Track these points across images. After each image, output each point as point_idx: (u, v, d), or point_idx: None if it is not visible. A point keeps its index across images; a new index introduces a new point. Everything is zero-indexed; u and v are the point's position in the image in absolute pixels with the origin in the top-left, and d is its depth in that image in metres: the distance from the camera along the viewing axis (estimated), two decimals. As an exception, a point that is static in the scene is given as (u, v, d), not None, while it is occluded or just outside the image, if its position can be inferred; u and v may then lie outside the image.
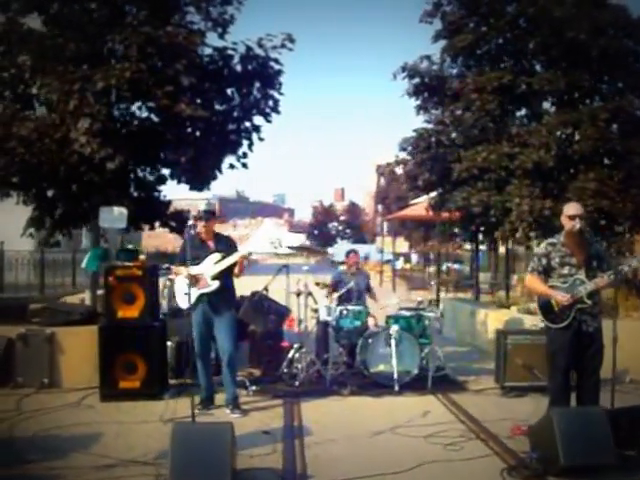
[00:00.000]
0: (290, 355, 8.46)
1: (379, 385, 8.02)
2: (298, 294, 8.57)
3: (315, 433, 6.27)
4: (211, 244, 7.18)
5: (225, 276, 7.10)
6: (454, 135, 12.11)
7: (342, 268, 9.55)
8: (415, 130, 12.70)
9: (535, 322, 9.17)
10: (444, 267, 26.60)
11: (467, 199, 11.12)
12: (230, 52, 8.85)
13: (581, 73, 10.88)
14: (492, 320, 10.31)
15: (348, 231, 75.55)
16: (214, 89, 8.57)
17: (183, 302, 7.18)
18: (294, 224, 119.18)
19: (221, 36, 8.80)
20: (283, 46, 8.85)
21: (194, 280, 6.98)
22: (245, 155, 9.83)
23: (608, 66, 11.00)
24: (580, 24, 10.46)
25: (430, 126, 12.70)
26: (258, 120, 9.66)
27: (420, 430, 6.32)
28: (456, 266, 27.02)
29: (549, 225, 10.82)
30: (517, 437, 6.02)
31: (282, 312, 9.16)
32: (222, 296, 7.12)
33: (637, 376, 8.29)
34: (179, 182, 9.09)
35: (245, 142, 9.73)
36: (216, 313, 7.07)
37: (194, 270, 7.02)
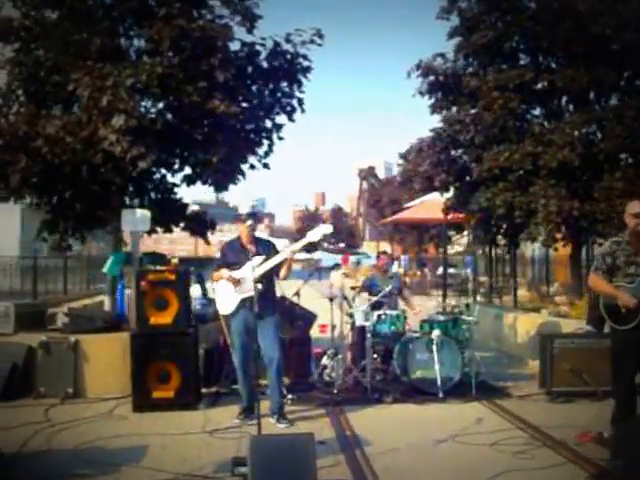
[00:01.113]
0: (324, 362, 8.16)
1: (420, 392, 7.75)
2: (331, 299, 8.28)
3: (374, 443, 5.95)
4: (252, 248, 6.84)
5: (268, 280, 6.80)
6: (472, 135, 11.86)
7: (373, 271, 9.27)
8: (432, 130, 12.50)
9: (571, 325, 9.02)
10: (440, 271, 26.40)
11: (491, 200, 10.89)
12: (258, 48, 8.54)
13: (605, 69, 10.70)
14: (523, 324, 10.07)
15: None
16: (242, 85, 8.23)
17: (225, 307, 6.87)
18: (275, 229, 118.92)
19: (249, 31, 8.48)
20: (312, 42, 8.57)
21: (237, 284, 6.68)
22: (267, 154, 9.54)
23: (632, 62, 10.85)
24: (605, 18, 10.29)
25: (443, 125, 12.48)
26: (280, 119, 9.41)
27: (481, 438, 6.02)
28: (452, 270, 26.84)
29: (577, 226, 10.68)
30: (586, 444, 5.78)
31: (309, 318, 8.90)
32: (265, 301, 6.78)
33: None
34: (204, 183, 8.75)
35: (266, 142, 9.46)
36: (259, 318, 6.74)
37: (236, 274, 6.72)
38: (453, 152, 12.40)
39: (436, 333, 7.85)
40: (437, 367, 7.70)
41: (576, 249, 12.09)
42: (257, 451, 4.29)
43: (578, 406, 7.33)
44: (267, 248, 6.95)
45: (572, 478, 5.06)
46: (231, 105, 7.54)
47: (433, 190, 13.75)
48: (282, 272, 6.81)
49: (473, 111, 11.93)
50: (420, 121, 15.39)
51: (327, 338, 8.43)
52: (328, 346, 8.30)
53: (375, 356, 8.30)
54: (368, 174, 61.23)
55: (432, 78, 12.66)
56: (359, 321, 8.25)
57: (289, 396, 7.50)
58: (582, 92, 11.08)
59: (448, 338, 7.98)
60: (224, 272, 6.76)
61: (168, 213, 9.14)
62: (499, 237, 12.56)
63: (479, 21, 11.68)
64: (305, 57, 8.64)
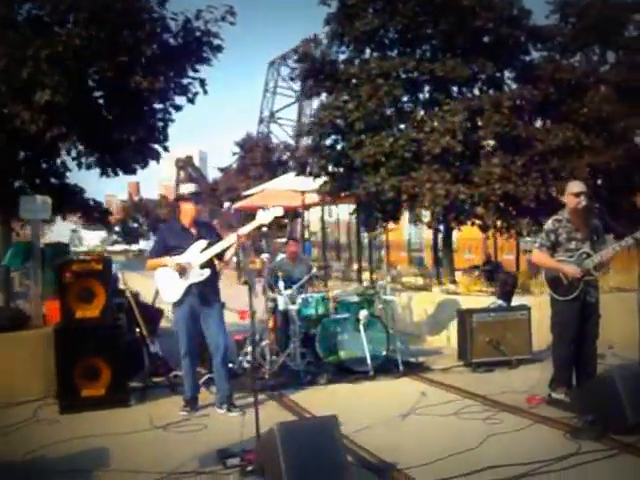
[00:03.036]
0: (247, 349, 7.98)
1: (350, 371, 7.82)
2: (245, 283, 8.07)
3: (345, 423, 5.91)
4: (193, 231, 6.52)
5: (212, 264, 6.51)
6: (351, 120, 12.01)
7: (283, 256, 9.14)
8: (312, 115, 12.57)
9: (468, 301, 9.51)
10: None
11: (380, 184, 11.16)
12: (169, 23, 8.08)
13: (483, 61, 11.36)
14: (418, 303, 10.43)
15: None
16: (160, 61, 7.74)
17: (170, 295, 6.48)
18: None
19: (162, 4, 7.99)
20: (224, 19, 8.26)
21: (182, 270, 6.33)
22: (166, 138, 9.09)
23: (507, 55, 11.63)
24: (486, 13, 10.92)
25: (322, 112, 12.56)
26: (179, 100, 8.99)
27: (440, 409, 6.22)
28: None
29: (461, 208, 11.26)
30: (538, 406, 6.17)
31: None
32: (211, 286, 6.51)
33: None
34: (116, 166, 8.13)
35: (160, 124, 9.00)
36: (205, 305, 6.44)
37: (179, 260, 6.36)
38: (332, 137, 12.50)
39: (363, 313, 7.94)
40: (366, 346, 7.81)
41: (448, 232, 12.76)
42: (287, 437, 4.11)
43: (501, 374, 7.77)
44: (209, 231, 6.65)
45: (551, 436, 5.37)
46: (155, 81, 7.08)
47: (309, 176, 13.73)
48: (227, 255, 6.53)
49: (346, 97, 12.12)
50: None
51: (245, 324, 8.22)
52: (247, 332, 8.10)
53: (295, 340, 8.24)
54: (186, 164, 60.62)
55: (308, 64, 12.70)
56: (281, 305, 8.14)
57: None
58: (461, 82, 11.67)
59: (374, 317, 8.11)
60: (167, 260, 6.36)
61: (65, 200, 8.39)
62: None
63: (359, 9, 11.89)
64: (216, 35, 8.31)
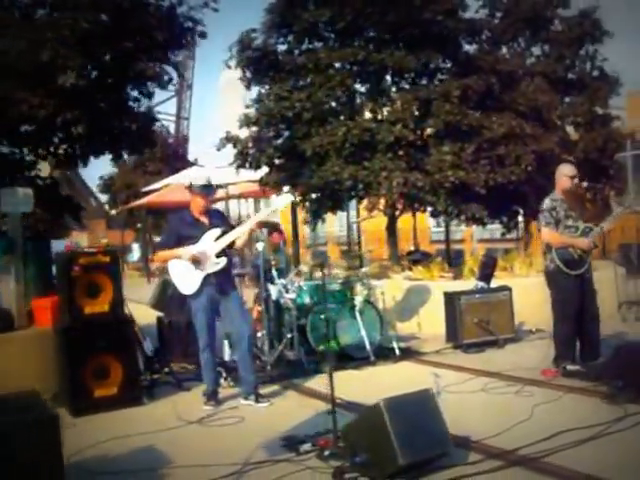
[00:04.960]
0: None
1: (349, 357, 7.85)
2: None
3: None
4: (205, 220, 6.34)
5: (226, 253, 6.35)
6: (298, 111, 11.99)
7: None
8: (257, 106, 12.46)
9: (438, 286, 9.76)
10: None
11: (339, 174, 11.23)
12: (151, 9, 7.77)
13: (430, 52, 11.66)
14: (388, 290, 10.54)
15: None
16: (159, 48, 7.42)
17: (186, 287, 6.26)
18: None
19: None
20: (206, 5, 8.05)
21: (197, 261, 6.14)
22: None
23: (453, 46, 12.02)
24: (434, 6, 11.24)
25: (268, 102, 12.47)
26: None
27: (464, 387, 6.38)
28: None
29: (415, 196, 11.54)
30: (555, 378, 6.46)
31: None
32: (228, 275, 6.36)
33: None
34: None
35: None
36: (224, 294, 6.27)
37: (193, 250, 6.16)
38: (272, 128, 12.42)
39: (359, 299, 8.01)
40: (363, 332, 7.87)
41: (392, 220, 13.04)
42: (392, 410, 4.15)
43: (493, 353, 8.05)
44: (220, 219, 6.50)
45: (588, 403, 5.65)
46: (158, 69, 6.80)
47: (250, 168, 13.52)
48: (239, 242, 6.37)
49: (290, 87, 12.11)
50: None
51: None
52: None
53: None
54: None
55: (250, 53, 12.57)
56: (275, 296, 8.05)
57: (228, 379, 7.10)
58: (410, 72, 11.94)
59: (368, 303, 8.18)
60: (181, 251, 6.13)
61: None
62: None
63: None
64: (199, 22, 8.09)
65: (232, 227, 6.38)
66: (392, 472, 4.11)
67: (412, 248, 17.26)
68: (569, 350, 6.69)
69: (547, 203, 6.79)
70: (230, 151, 13.18)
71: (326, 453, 4.68)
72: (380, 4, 11.42)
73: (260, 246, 7.56)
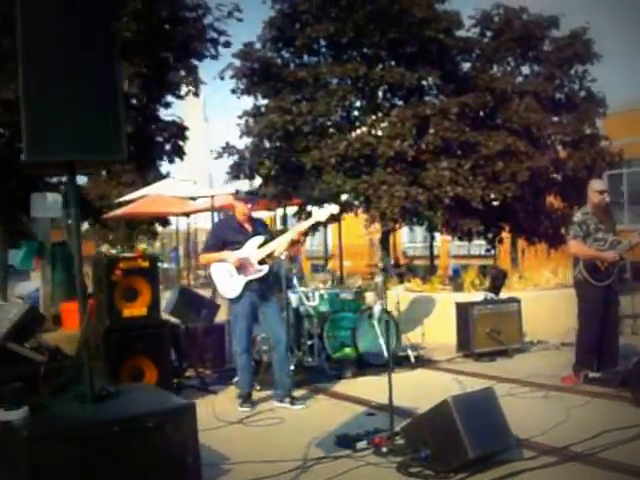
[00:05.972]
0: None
1: (367, 364, 8.02)
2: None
3: (420, 408, 6.11)
4: (249, 227, 6.51)
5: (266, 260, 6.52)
6: (300, 124, 12.20)
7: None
8: (250, 116, 12.67)
9: (441, 298, 10.02)
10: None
11: (342, 186, 11.46)
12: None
13: (428, 70, 12.01)
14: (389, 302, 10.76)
15: None
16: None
17: (229, 291, 6.40)
18: None
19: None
20: (230, 15, 8.24)
21: (241, 266, 6.30)
22: None
23: (451, 63, 12.38)
24: (436, 24, 11.59)
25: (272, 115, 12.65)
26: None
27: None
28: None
29: (415, 211, 11.83)
30: (577, 385, 6.72)
31: (213, 306, 8.60)
32: (269, 281, 6.53)
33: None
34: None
35: None
36: (264, 300, 6.43)
37: (239, 255, 6.33)
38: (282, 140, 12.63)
39: (378, 308, 8.20)
40: (382, 340, 8.06)
41: (386, 234, 13.32)
42: (460, 407, 4.36)
43: (506, 362, 8.28)
44: (263, 227, 6.69)
45: (617, 407, 5.89)
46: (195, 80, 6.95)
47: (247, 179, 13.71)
48: (278, 251, 6.53)
49: (293, 100, 12.34)
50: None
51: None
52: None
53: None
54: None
55: (249, 64, 12.73)
56: (294, 303, 8.19)
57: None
58: (410, 88, 12.26)
59: (385, 312, 8.37)
60: (228, 255, 6.30)
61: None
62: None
63: (311, 15, 12.15)
64: (223, 32, 8.27)
65: (272, 236, 6.56)
66: (459, 465, 4.31)
67: (392, 262, 17.56)
68: (591, 358, 6.95)
69: (578, 216, 7.06)
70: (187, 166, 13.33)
71: (384, 450, 4.86)
72: (382, 21, 11.72)
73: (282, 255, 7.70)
